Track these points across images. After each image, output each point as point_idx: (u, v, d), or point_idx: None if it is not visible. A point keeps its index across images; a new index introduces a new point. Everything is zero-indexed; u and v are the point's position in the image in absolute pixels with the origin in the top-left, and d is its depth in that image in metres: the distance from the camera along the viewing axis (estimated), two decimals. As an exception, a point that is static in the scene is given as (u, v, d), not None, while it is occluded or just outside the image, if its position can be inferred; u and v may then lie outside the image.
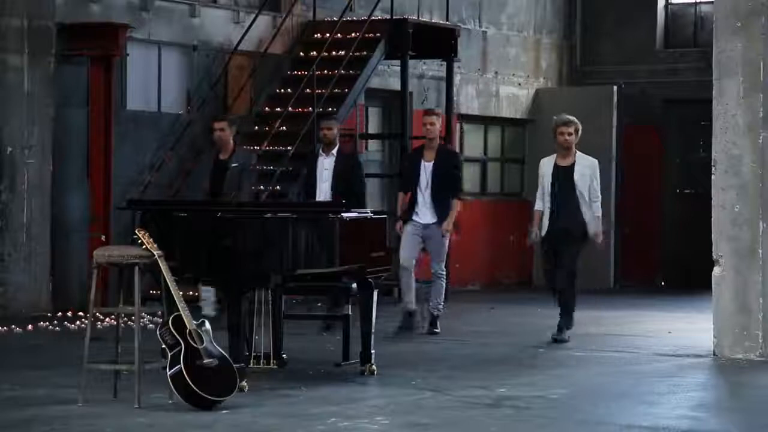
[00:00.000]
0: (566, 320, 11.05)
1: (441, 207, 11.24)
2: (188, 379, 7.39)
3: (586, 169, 11.00)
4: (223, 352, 7.68)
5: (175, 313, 7.57)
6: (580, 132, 11.07)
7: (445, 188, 11.31)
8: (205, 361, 7.48)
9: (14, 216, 12.74)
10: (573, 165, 11.00)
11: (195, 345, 7.51)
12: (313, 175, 11.42)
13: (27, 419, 7.20)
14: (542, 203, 11.05)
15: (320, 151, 11.49)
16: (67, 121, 13.23)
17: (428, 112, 11.59)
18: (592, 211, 10.97)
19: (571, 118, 11.09)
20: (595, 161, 11.09)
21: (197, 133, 14.49)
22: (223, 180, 11.50)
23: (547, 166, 11.11)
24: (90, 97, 13.29)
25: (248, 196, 11.49)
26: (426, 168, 11.28)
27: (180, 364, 7.42)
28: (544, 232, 11.00)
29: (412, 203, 11.31)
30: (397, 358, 9.73)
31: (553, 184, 10.97)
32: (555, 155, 11.10)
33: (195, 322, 7.59)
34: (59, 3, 13.24)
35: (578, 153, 11.07)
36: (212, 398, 7.45)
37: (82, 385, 7.61)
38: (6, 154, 12.74)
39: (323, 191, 11.25)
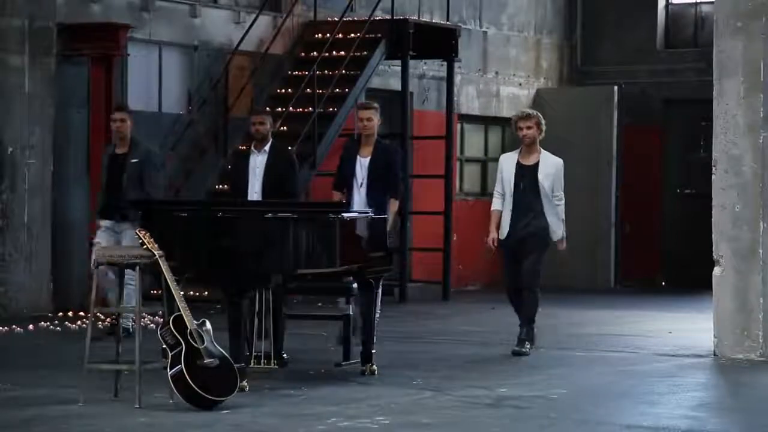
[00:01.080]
0: (527, 331, 10.17)
1: (378, 207, 9.95)
2: (189, 379, 7.40)
3: (551, 169, 10.18)
4: (223, 352, 7.68)
5: (176, 313, 7.57)
6: (543, 126, 10.24)
7: (383, 186, 10.13)
8: (205, 361, 7.49)
9: (15, 216, 12.75)
10: (537, 164, 10.18)
11: (196, 345, 7.51)
12: (243, 173, 10.18)
13: (27, 419, 7.20)
14: (501, 203, 10.22)
15: (252, 147, 10.29)
16: (67, 121, 13.23)
17: (365, 106, 10.35)
18: (557, 214, 10.18)
19: (531, 111, 10.41)
20: (560, 161, 10.28)
21: (198, 133, 14.50)
22: (118, 175, 10.91)
23: (508, 163, 10.26)
24: (91, 98, 13.29)
25: (155, 192, 10.84)
26: (362, 164, 10.11)
27: (181, 364, 7.43)
28: (504, 235, 10.15)
29: (348, 201, 10.04)
30: (397, 358, 9.73)
31: (516, 184, 10.15)
32: (517, 152, 10.31)
33: (196, 322, 7.59)
34: (60, 3, 13.24)
35: (543, 151, 10.27)
36: (213, 398, 7.45)
37: (82, 385, 7.62)
38: (7, 154, 12.75)
39: (255, 190, 10.07)
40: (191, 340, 7.51)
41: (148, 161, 11.04)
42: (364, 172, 10.13)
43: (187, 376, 7.41)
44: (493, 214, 10.25)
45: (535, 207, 10.11)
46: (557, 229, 10.18)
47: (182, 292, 7.69)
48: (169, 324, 7.55)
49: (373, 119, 10.12)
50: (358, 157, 10.18)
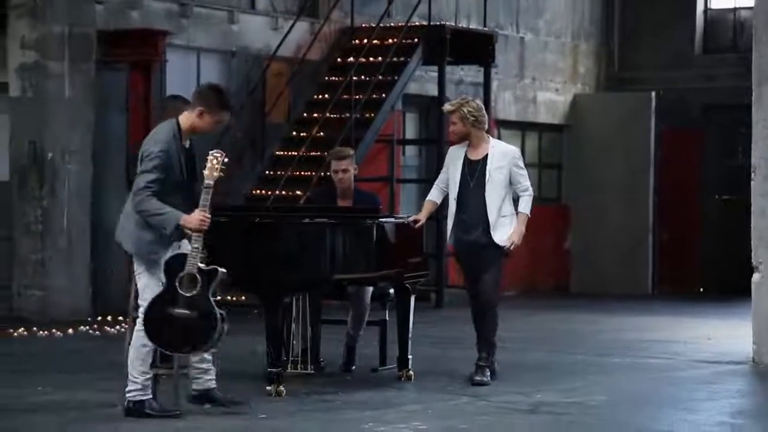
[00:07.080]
0: (486, 355, 8.83)
1: None
2: (147, 326, 7.02)
3: (503, 161, 8.71)
4: (218, 310, 7.13)
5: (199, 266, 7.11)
6: (471, 119, 8.75)
7: None
8: (175, 311, 7.03)
9: (55, 221, 12.85)
10: (485, 158, 8.73)
11: (180, 291, 7.04)
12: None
13: (66, 422, 7.26)
14: (438, 193, 8.92)
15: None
16: (107, 127, 13.33)
17: None
18: (513, 214, 8.76)
19: (460, 102, 8.83)
20: (514, 148, 8.87)
21: (236, 138, 14.56)
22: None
23: (455, 155, 8.84)
24: (129, 103, 13.39)
25: None
26: None
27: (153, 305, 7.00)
28: (451, 241, 8.88)
29: None
30: (434, 363, 9.73)
31: (464, 183, 8.75)
32: (465, 144, 8.83)
33: (204, 267, 7.05)
34: (100, 10, 13.35)
35: (493, 141, 8.90)
36: (166, 350, 7.13)
37: (120, 390, 7.66)
38: (47, 160, 12.85)
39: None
40: (177, 285, 7.03)
41: None
42: None
43: (148, 323, 6.94)
44: (426, 204, 8.90)
45: (483, 211, 8.68)
46: (513, 230, 8.72)
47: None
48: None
49: None
50: None
